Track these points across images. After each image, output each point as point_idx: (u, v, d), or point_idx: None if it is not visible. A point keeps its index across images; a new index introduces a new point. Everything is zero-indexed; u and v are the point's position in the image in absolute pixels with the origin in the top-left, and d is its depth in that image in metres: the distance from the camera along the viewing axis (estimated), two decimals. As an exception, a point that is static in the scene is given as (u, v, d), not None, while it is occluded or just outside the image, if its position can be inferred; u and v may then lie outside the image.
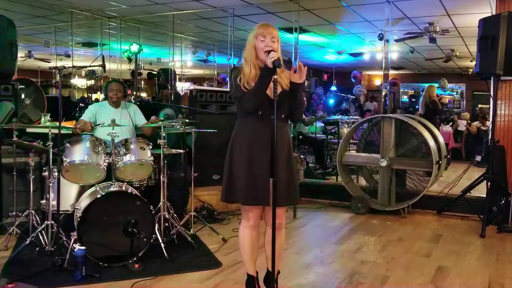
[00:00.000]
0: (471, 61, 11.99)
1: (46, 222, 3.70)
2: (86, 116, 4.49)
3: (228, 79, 4.18)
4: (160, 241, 3.69)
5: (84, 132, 4.25)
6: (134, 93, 8.58)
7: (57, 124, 3.48)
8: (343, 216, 5.44)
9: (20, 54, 10.96)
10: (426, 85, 9.03)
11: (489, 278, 3.45)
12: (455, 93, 16.52)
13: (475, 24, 5.06)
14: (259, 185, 2.64)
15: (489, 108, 6.87)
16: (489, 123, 6.48)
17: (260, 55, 2.65)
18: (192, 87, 7.13)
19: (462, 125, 11.21)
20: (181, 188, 4.74)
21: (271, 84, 2.49)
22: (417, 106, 11.83)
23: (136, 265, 3.43)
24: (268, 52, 2.57)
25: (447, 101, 14.88)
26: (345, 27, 8.63)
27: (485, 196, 4.96)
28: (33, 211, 4.00)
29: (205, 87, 7.53)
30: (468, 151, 10.28)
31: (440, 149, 5.48)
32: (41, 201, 4.00)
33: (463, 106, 16.11)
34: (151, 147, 4.09)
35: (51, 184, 3.69)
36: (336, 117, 8.14)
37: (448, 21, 7.78)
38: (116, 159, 3.82)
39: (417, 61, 12.90)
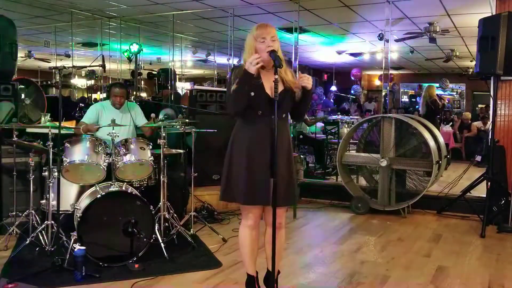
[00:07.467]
0: (471, 61, 11.99)
1: (46, 222, 3.70)
2: (88, 118, 4.47)
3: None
4: (160, 241, 3.69)
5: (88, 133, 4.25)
6: (134, 93, 8.59)
7: (57, 124, 3.48)
8: (343, 216, 5.44)
9: (20, 54, 10.96)
10: (426, 85, 9.04)
11: (489, 278, 3.45)
12: (455, 93, 16.53)
13: (475, 24, 5.06)
14: (258, 185, 2.63)
15: (489, 108, 6.87)
16: (489, 123, 6.47)
17: (262, 56, 2.61)
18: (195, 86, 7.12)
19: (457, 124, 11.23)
20: (181, 188, 4.73)
21: (272, 84, 2.48)
22: (417, 106, 11.83)
23: (136, 265, 3.43)
24: (270, 52, 2.55)
25: (447, 100, 14.88)
26: (345, 27, 8.63)
27: (485, 196, 4.96)
28: (33, 211, 4.00)
29: (205, 87, 7.53)
30: (468, 151, 10.28)
31: (440, 149, 5.48)
32: (41, 201, 3.99)
33: (463, 106, 16.12)
34: (151, 147, 4.09)
35: (51, 184, 3.69)
36: (336, 117, 8.15)
37: (448, 21, 7.78)
38: (116, 159, 3.81)
39: (417, 61, 12.90)
